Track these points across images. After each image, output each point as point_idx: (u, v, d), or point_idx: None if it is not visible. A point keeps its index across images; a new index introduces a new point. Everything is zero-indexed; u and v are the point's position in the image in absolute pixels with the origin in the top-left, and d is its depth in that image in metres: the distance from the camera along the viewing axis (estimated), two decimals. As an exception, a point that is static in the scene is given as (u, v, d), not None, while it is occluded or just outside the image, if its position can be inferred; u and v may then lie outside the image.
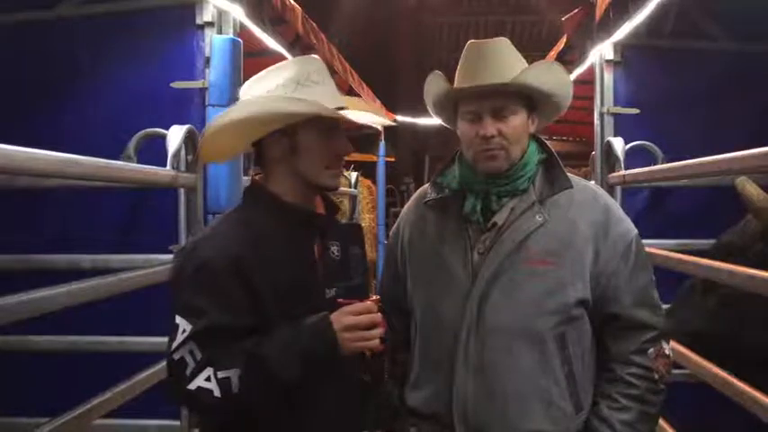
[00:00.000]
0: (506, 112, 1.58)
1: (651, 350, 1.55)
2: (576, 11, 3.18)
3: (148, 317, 2.39)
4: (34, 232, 2.61)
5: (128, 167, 2.18)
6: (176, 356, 1.35)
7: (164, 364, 2.19)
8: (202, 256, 1.41)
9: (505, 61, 1.60)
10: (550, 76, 1.61)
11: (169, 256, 2.39)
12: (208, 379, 1.32)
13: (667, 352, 1.58)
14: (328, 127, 1.50)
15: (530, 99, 1.62)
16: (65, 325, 2.47)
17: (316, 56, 1.64)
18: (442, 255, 1.63)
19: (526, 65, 1.63)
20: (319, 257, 1.55)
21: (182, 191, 2.46)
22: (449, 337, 1.56)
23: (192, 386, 1.32)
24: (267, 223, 1.49)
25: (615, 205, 1.68)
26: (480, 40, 1.65)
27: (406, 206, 1.88)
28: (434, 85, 1.65)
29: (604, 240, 1.57)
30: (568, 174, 1.65)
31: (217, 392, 1.32)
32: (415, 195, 1.86)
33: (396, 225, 1.86)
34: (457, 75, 1.65)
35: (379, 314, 1.40)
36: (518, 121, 1.59)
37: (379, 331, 1.39)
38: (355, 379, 1.55)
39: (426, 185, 1.78)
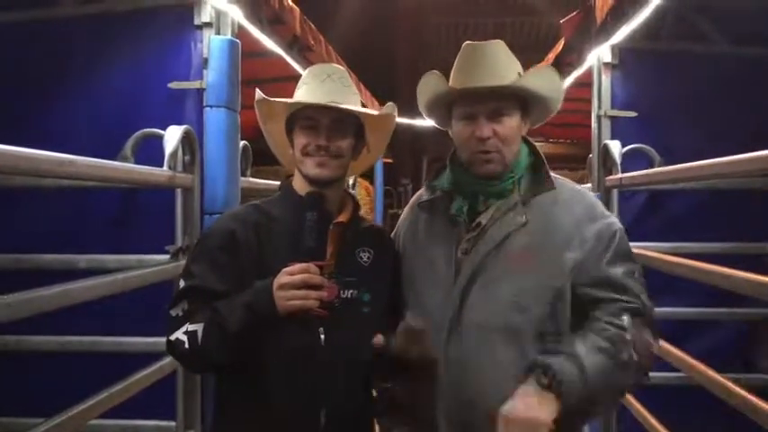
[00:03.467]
0: (502, 113, 1.60)
1: (625, 317, 1.50)
2: (574, 13, 3.18)
3: (144, 317, 2.40)
4: (30, 232, 2.60)
5: (124, 167, 2.18)
6: (172, 312, 1.52)
7: (159, 364, 2.22)
8: (207, 229, 1.70)
9: (501, 63, 1.63)
10: (546, 80, 1.64)
11: (165, 257, 2.40)
12: (185, 332, 1.48)
13: (647, 337, 1.52)
14: (308, 122, 1.61)
15: (523, 101, 1.65)
16: (60, 325, 2.47)
17: (334, 65, 1.76)
18: (429, 254, 1.67)
19: (520, 67, 1.66)
20: (337, 258, 1.61)
21: (178, 191, 2.46)
22: (433, 333, 1.58)
23: (172, 337, 1.50)
24: (278, 211, 1.64)
25: (599, 204, 1.72)
26: (476, 41, 1.66)
27: (405, 209, 1.91)
28: (431, 84, 1.66)
29: (587, 233, 1.57)
30: (554, 175, 1.68)
31: (186, 344, 1.47)
32: (414, 197, 1.89)
33: (395, 230, 1.88)
34: (453, 75, 1.66)
35: (320, 278, 1.41)
36: (513, 123, 1.62)
37: (316, 293, 1.40)
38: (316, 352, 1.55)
39: (422, 189, 1.81)
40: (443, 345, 1.57)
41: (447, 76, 1.67)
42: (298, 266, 1.41)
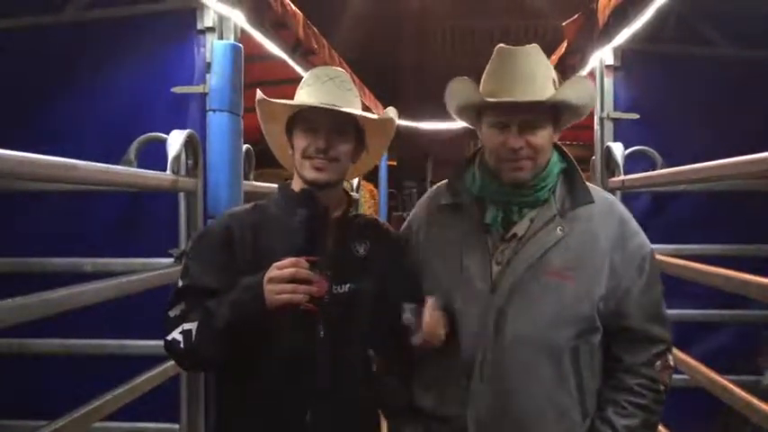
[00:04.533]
0: (536, 125, 1.57)
1: (658, 363, 1.58)
2: (576, 16, 3.18)
3: (148, 320, 2.41)
4: (35, 236, 2.62)
5: (128, 172, 2.20)
6: (170, 313, 1.53)
7: (163, 367, 2.23)
8: (204, 228, 1.74)
9: (538, 74, 1.59)
10: (581, 92, 1.61)
11: (169, 260, 2.41)
12: (181, 332, 1.48)
13: (671, 363, 1.61)
14: (308, 125, 1.62)
15: (557, 112, 1.62)
16: (65, 328, 2.49)
17: (335, 67, 1.77)
18: (460, 262, 1.63)
19: (553, 73, 1.63)
20: (333, 252, 1.61)
21: (182, 195, 2.47)
22: (467, 345, 1.57)
23: (169, 337, 1.50)
24: (275, 209, 1.67)
25: (631, 218, 1.69)
26: (511, 46, 1.63)
27: (418, 205, 1.86)
28: (463, 91, 1.62)
29: (620, 253, 1.59)
30: (589, 185, 1.66)
31: (182, 343, 1.47)
32: (429, 195, 1.85)
33: (407, 223, 1.84)
34: (486, 80, 1.63)
35: (307, 272, 1.40)
36: (546, 134, 1.59)
37: (304, 287, 1.40)
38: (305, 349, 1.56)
39: (441, 185, 1.78)
40: (479, 358, 1.56)
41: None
42: (287, 261, 1.41)
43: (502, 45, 1.63)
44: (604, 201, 1.68)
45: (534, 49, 1.62)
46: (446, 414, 1.60)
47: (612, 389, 1.59)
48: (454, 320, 1.59)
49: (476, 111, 1.66)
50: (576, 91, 1.59)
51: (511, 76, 1.57)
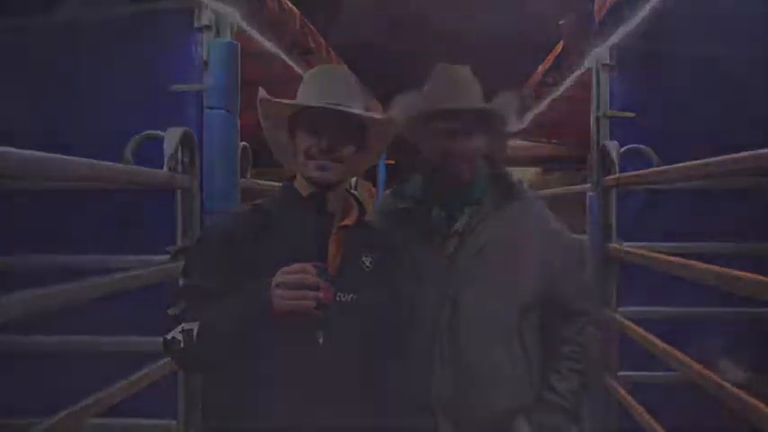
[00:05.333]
0: (478, 130, 1.80)
1: (585, 332, 1.88)
2: (572, 15, 3.19)
3: (144, 317, 2.41)
4: (30, 233, 2.62)
5: (124, 169, 2.20)
6: (170, 312, 1.52)
7: (160, 364, 2.24)
8: (206, 228, 1.79)
9: (473, 88, 1.84)
10: (510, 104, 1.86)
11: (165, 257, 2.42)
12: (181, 331, 1.47)
13: (592, 331, 1.92)
14: (311, 125, 1.62)
15: (489, 121, 1.83)
16: (61, 325, 2.49)
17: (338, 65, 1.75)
18: (411, 260, 1.80)
19: (481, 90, 1.86)
20: (341, 261, 1.62)
21: (178, 192, 2.48)
22: (425, 333, 1.76)
23: (168, 336, 1.49)
24: (278, 211, 1.65)
25: (551, 214, 1.97)
26: (450, 64, 1.86)
27: (373, 213, 2.04)
28: (417, 102, 1.82)
29: (550, 242, 1.85)
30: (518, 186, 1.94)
31: (182, 343, 1.46)
32: (379, 202, 2.07)
33: None
34: (430, 94, 1.82)
35: (316, 278, 1.41)
36: (484, 139, 1.83)
37: (312, 294, 1.41)
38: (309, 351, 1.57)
39: (388, 192, 2.00)
40: (438, 344, 1.75)
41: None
42: (295, 266, 1.42)
43: (443, 64, 1.86)
44: (531, 198, 1.93)
45: (467, 69, 1.86)
46: (413, 395, 1.76)
47: (553, 358, 1.85)
48: (412, 313, 1.76)
49: (423, 123, 1.83)
50: (506, 104, 1.84)
51: (454, 89, 1.80)
